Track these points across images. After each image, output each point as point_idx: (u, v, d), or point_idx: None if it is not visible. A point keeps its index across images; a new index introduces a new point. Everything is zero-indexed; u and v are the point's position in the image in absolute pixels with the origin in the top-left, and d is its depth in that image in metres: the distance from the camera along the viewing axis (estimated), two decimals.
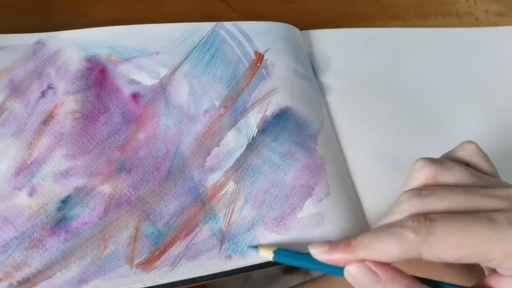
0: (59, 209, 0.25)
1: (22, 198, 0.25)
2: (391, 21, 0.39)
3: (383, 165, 0.32)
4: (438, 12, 0.41)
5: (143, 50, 0.30)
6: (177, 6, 0.35)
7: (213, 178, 0.27)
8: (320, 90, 0.33)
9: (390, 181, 0.31)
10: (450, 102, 0.36)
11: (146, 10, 0.34)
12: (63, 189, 0.25)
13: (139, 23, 0.30)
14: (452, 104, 0.36)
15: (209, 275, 0.25)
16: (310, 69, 0.33)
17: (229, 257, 0.25)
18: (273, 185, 0.27)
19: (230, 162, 0.28)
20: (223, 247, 0.25)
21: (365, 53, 0.36)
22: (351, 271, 0.20)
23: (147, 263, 0.24)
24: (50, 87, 0.28)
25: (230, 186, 0.27)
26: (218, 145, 0.28)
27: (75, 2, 0.33)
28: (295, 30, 0.34)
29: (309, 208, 0.27)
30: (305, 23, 0.35)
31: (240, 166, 0.28)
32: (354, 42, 0.36)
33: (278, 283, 0.49)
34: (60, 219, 0.25)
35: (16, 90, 0.27)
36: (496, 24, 0.42)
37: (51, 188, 0.25)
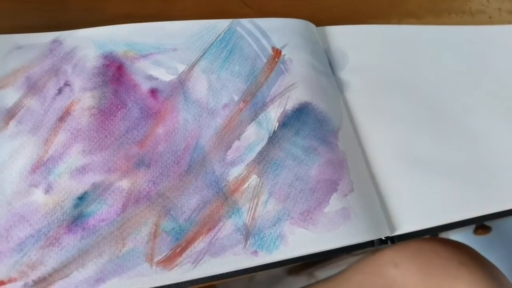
0: (76, 206, 0.24)
1: (38, 196, 0.24)
2: (405, 18, 0.39)
3: (402, 160, 0.31)
4: (451, 10, 0.41)
5: (160, 47, 0.29)
6: (191, 1, 0.35)
7: (235, 172, 0.26)
8: (338, 86, 0.33)
9: (409, 176, 0.30)
10: (466, 99, 0.35)
11: (161, 5, 0.34)
12: (80, 185, 0.24)
13: (154, 18, 0.30)
14: (468, 102, 0.35)
15: (234, 271, 0.23)
16: (327, 65, 0.33)
17: (255, 253, 0.24)
18: (297, 179, 0.26)
19: (252, 155, 0.27)
20: (248, 242, 0.24)
21: (381, 50, 0.36)
22: None
23: (168, 261, 0.23)
24: (66, 84, 0.27)
25: (253, 179, 0.26)
26: (238, 139, 0.27)
27: None
28: (312, 26, 0.34)
29: (335, 203, 0.26)
30: (318, 20, 0.35)
31: (263, 160, 0.27)
32: (370, 38, 0.36)
33: (281, 284, 0.48)
34: (76, 216, 0.24)
35: (33, 87, 0.27)
36: (509, 22, 0.42)
37: (67, 185, 0.24)
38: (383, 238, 0.28)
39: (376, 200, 0.29)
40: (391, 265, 0.30)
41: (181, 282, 0.23)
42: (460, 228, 0.31)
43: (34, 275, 0.22)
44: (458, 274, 0.29)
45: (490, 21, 0.41)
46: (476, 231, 0.62)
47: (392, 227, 0.28)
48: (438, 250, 0.30)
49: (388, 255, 0.31)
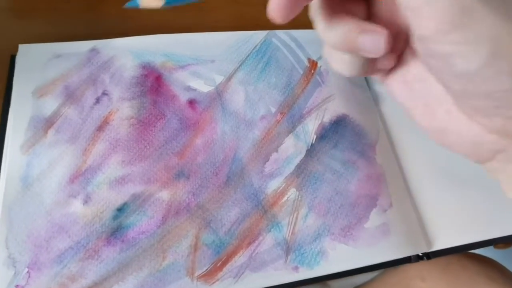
0: (115, 217, 0.24)
1: (76, 206, 0.24)
2: None
3: (437, 175, 0.30)
4: None
5: (198, 58, 0.29)
6: (224, 13, 0.35)
7: (273, 185, 0.26)
8: (374, 99, 0.32)
9: (444, 192, 0.30)
10: None
11: (195, 15, 0.34)
12: (119, 196, 0.24)
13: (187, 29, 0.30)
14: None
15: (276, 286, 0.23)
16: (362, 78, 0.33)
17: (295, 268, 0.23)
18: (336, 193, 0.26)
19: (290, 168, 0.26)
20: (289, 258, 0.24)
21: None
22: None
23: (209, 275, 0.23)
24: (104, 93, 0.27)
25: (292, 193, 0.26)
26: (276, 151, 0.27)
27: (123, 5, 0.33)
28: None
29: (375, 218, 0.26)
30: None
31: (301, 173, 0.26)
32: None
33: None
34: (115, 228, 0.23)
35: (71, 96, 0.27)
36: None
37: (106, 196, 0.24)
38: (420, 254, 0.27)
39: (413, 215, 0.28)
40: (418, 279, 0.30)
41: None
42: None
43: (75, 287, 0.22)
44: (480, 273, 0.28)
45: None
46: (496, 245, 0.61)
47: (428, 242, 0.28)
48: (466, 265, 0.30)
49: (415, 268, 0.30)
